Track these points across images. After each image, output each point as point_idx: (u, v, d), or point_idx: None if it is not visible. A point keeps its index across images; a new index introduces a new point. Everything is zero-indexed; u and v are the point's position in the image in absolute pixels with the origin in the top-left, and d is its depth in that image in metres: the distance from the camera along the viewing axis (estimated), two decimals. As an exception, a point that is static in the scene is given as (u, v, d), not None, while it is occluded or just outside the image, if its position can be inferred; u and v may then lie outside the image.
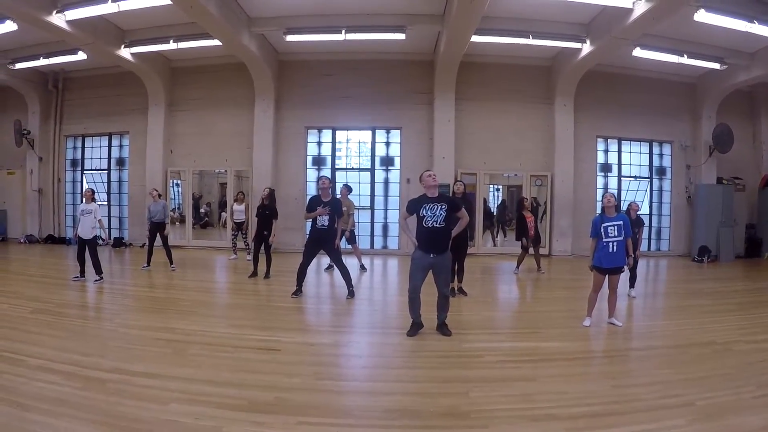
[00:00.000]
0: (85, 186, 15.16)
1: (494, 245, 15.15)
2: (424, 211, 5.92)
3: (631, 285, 8.85)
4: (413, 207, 6.07)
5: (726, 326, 6.80)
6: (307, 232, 9.45)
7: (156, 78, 14.89)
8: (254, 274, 10.14)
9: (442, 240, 5.95)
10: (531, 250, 11.39)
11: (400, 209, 14.77)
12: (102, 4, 10.83)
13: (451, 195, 8.38)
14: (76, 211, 9.54)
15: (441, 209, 5.89)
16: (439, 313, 6.20)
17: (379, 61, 14.67)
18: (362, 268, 11.47)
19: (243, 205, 12.80)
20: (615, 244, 6.49)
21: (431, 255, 5.92)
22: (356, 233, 11.65)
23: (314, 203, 8.18)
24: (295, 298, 8.15)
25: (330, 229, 8.16)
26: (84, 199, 9.70)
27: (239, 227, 12.82)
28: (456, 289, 8.46)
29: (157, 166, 15.21)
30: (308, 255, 8.28)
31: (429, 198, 5.99)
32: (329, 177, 8.56)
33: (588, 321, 6.70)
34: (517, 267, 11.51)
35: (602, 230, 6.53)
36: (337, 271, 8.80)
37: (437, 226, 5.88)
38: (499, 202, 15.48)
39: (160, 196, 11.24)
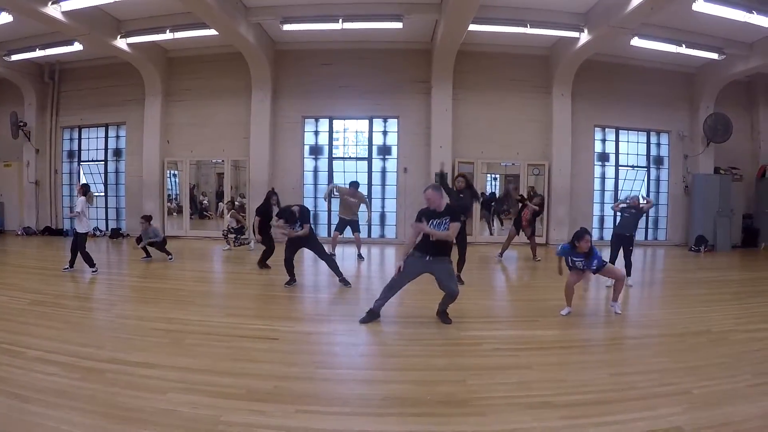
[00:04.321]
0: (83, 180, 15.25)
1: (491, 234, 15.15)
2: (431, 226, 5.92)
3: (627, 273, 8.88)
4: (419, 218, 6.03)
5: (722, 315, 6.81)
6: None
7: (152, 68, 14.82)
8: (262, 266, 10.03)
9: (440, 247, 5.96)
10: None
11: (397, 198, 14.83)
12: (97, -7, 10.82)
13: (451, 187, 8.87)
14: (73, 202, 9.45)
15: (445, 224, 5.91)
16: (442, 303, 6.20)
17: (377, 50, 14.63)
18: (360, 257, 11.50)
19: (230, 213, 12.95)
20: (581, 263, 6.60)
21: (428, 257, 5.92)
22: (359, 222, 11.67)
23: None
24: (290, 287, 8.17)
25: (305, 235, 8.27)
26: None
27: (231, 231, 12.90)
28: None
29: (154, 156, 15.17)
30: (289, 252, 8.37)
31: (435, 212, 5.97)
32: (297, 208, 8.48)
33: (566, 310, 6.71)
34: (501, 253, 11.70)
35: (569, 259, 6.73)
36: (339, 260, 8.81)
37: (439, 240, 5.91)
38: (501, 192, 15.50)
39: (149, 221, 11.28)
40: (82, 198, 9.40)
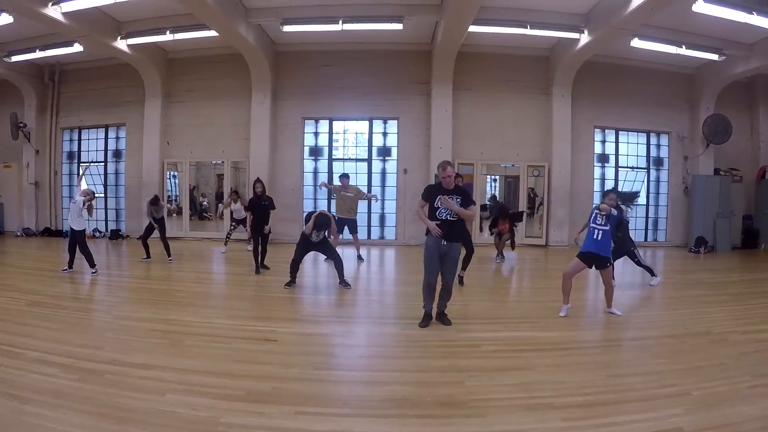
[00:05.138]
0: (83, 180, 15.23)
1: (491, 234, 15.04)
2: (439, 203, 5.89)
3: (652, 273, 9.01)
4: (428, 195, 6.00)
5: (722, 316, 6.82)
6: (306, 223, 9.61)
7: (153, 69, 14.82)
8: (258, 270, 9.81)
9: (454, 231, 5.93)
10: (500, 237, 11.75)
11: (397, 200, 14.80)
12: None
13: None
14: (72, 201, 9.49)
15: (456, 202, 5.85)
16: (440, 301, 6.19)
17: (377, 52, 14.61)
18: (359, 258, 11.49)
19: (238, 203, 12.77)
20: (600, 232, 6.55)
21: (443, 242, 5.88)
22: (357, 223, 11.68)
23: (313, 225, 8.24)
24: (289, 289, 8.14)
25: (322, 240, 8.26)
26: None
27: (239, 222, 12.83)
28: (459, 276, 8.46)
29: (153, 157, 15.15)
30: (300, 253, 8.34)
31: (444, 189, 5.91)
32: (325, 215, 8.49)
33: (564, 310, 6.70)
34: (499, 254, 11.78)
35: (591, 215, 6.70)
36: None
37: (450, 218, 5.87)
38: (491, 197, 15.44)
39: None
40: (82, 198, 9.39)
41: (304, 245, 8.32)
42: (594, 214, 6.65)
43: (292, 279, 8.30)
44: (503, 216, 11.56)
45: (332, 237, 8.42)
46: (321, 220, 8.06)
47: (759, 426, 3.56)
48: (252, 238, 10.17)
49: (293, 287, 8.21)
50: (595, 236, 6.58)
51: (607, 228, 6.53)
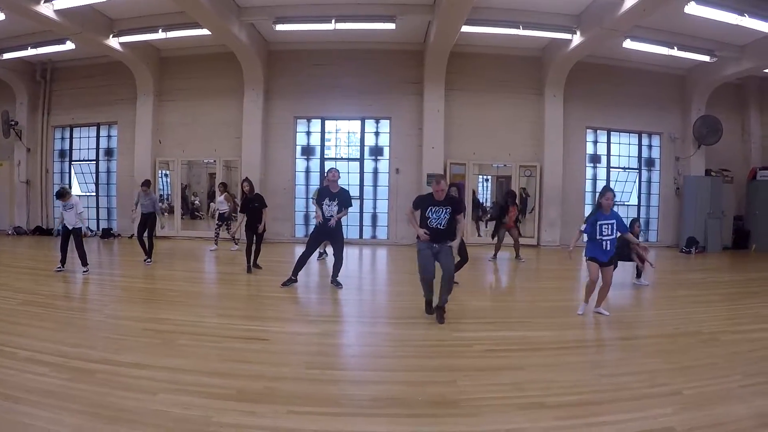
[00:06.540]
0: (74, 179, 15.16)
1: (479, 236, 15.00)
2: (429, 213, 6.10)
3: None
4: (419, 205, 6.24)
5: (713, 316, 6.86)
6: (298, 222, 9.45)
7: (145, 68, 14.76)
8: (249, 269, 9.73)
9: (443, 237, 6.15)
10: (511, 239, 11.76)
11: (389, 199, 14.80)
12: (90, -8, 10.75)
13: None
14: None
15: (445, 212, 6.08)
16: (441, 294, 6.18)
17: (369, 51, 14.62)
18: (324, 254, 11.31)
19: (223, 195, 12.71)
20: (608, 242, 6.54)
21: (434, 245, 6.09)
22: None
23: (323, 195, 8.20)
24: (284, 288, 8.10)
25: (336, 227, 8.18)
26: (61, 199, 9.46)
27: (222, 218, 12.78)
28: None
29: (145, 156, 15.10)
30: (312, 245, 8.32)
31: (435, 200, 6.11)
32: (338, 169, 8.45)
33: (582, 308, 6.74)
34: (494, 256, 11.77)
35: (597, 228, 6.57)
36: (328, 261, 8.75)
37: (440, 228, 6.09)
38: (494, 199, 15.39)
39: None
40: (76, 198, 9.40)
41: (317, 235, 8.33)
42: (599, 227, 6.59)
43: (293, 277, 8.24)
44: (513, 201, 11.67)
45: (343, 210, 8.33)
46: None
47: (750, 425, 3.57)
48: (246, 236, 10.09)
49: (290, 286, 8.16)
50: (603, 247, 6.56)
51: (614, 237, 6.54)
